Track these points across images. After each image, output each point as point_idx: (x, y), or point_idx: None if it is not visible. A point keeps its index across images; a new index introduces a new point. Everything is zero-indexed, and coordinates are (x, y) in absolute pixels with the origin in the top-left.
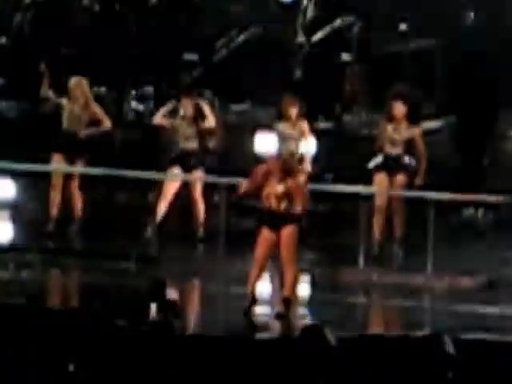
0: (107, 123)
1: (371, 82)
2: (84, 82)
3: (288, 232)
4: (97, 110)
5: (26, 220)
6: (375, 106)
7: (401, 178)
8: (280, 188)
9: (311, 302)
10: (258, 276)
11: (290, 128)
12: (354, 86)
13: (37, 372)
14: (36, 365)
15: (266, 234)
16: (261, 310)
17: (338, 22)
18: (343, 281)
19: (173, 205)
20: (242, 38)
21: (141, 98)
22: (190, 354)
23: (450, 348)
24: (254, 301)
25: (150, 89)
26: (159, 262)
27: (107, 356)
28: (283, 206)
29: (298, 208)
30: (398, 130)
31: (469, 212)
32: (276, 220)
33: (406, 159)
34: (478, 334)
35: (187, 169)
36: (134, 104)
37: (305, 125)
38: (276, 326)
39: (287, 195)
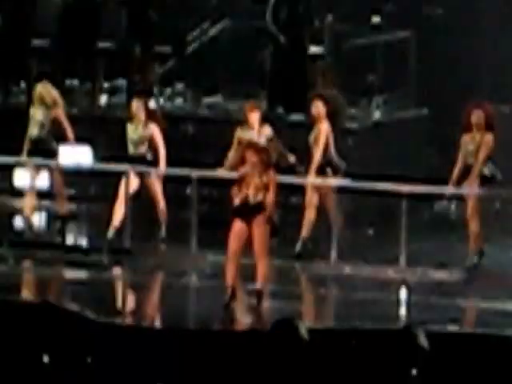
0: (70, 135)
1: (344, 75)
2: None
3: (260, 224)
4: (63, 118)
5: None
6: (348, 99)
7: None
8: (262, 179)
9: (283, 295)
10: (235, 269)
11: (254, 135)
12: (326, 78)
13: (10, 363)
14: (9, 357)
15: (239, 227)
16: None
17: (310, 15)
18: (315, 273)
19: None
20: (214, 30)
21: (113, 91)
22: (163, 347)
23: (422, 341)
24: (233, 294)
25: (122, 81)
26: (132, 254)
27: (77, 348)
28: (259, 197)
29: (270, 201)
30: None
31: (442, 204)
32: (250, 212)
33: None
34: (451, 326)
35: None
36: (105, 97)
37: (268, 130)
38: (249, 320)
39: (265, 187)
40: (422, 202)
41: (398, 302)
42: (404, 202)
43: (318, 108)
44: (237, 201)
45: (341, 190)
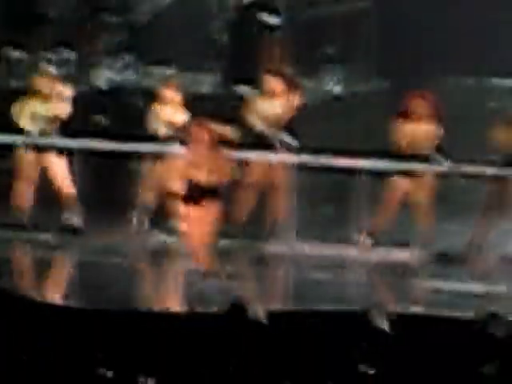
0: None
1: (301, 47)
2: None
3: (211, 206)
4: None
5: None
6: (304, 71)
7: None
8: (214, 160)
9: (238, 276)
10: (200, 249)
11: (173, 114)
12: (282, 50)
13: None
14: None
15: (194, 211)
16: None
17: None
18: (271, 254)
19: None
20: (166, 0)
21: (60, 63)
22: (112, 328)
23: (380, 322)
24: (205, 275)
25: (70, 53)
26: (82, 233)
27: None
28: (211, 179)
29: (221, 181)
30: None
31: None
32: (202, 193)
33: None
34: (410, 308)
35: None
36: (52, 69)
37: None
38: (202, 302)
39: (217, 168)
40: (383, 178)
41: None
42: (364, 178)
43: (271, 84)
44: (187, 184)
45: (297, 167)
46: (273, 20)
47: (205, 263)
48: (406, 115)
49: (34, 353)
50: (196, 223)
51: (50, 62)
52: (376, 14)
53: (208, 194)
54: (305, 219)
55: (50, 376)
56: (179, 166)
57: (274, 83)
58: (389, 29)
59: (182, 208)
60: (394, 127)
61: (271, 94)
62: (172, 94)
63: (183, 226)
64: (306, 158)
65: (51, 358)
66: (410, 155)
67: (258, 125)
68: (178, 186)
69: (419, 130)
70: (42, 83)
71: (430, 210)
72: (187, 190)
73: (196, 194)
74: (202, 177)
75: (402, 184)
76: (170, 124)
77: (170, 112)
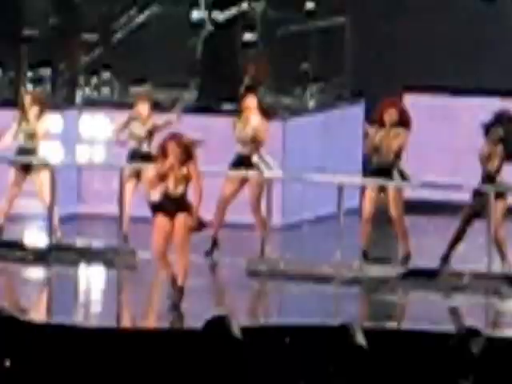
0: None
1: (277, 63)
2: None
3: (182, 219)
4: None
5: None
6: (280, 88)
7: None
8: (183, 171)
9: (212, 291)
10: (169, 267)
11: (140, 127)
12: (258, 67)
13: None
14: None
15: (161, 222)
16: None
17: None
18: (249, 269)
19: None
20: (141, 17)
21: (37, 80)
22: (91, 347)
23: (359, 338)
24: (180, 293)
25: (46, 70)
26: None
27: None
28: (180, 190)
29: (196, 193)
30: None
31: (380, 196)
32: (172, 205)
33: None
34: (387, 323)
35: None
36: (29, 86)
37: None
38: (178, 318)
39: (186, 179)
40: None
41: None
42: (342, 195)
43: (248, 102)
44: (157, 194)
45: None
46: (249, 36)
47: (166, 274)
48: (377, 122)
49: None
50: (162, 236)
51: (28, 79)
52: (352, 29)
53: (178, 205)
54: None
55: None
56: (150, 177)
57: (250, 101)
58: (364, 44)
59: (154, 218)
60: (366, 134)
61: (248, 112)
62: (143, 108)
63: (153, 236)
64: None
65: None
66: (379, 169)
67: (238, 145)
68: (153, 197)
69: (389, 137)
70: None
71: (403, 224)
72: (156, 202)
73: (166, 204)
74: (170, 188)
75: (374, 197)
76: (137, 137)
77: (137, 125)
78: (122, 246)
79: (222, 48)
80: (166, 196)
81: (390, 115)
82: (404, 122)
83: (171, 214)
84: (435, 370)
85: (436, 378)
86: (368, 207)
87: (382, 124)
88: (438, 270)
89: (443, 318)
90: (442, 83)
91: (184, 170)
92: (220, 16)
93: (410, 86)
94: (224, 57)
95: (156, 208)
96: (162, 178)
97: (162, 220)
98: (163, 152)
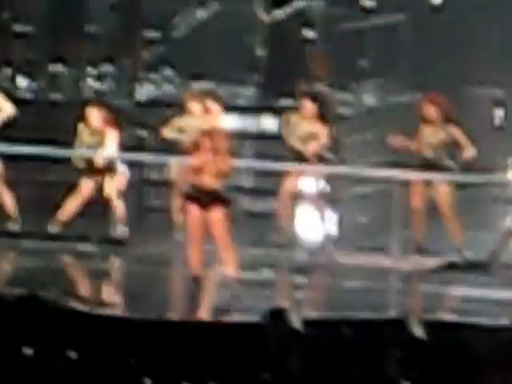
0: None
1: (335, 59)
2: None
3: (218, 213)
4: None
5: None
6: (340, 83)
7: None
8: (218, 165)
9: (269, 284)
10: (200, 255)
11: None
12: (317, 63)
13: None
14: None
15: (196, 212)
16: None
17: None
18: (302, 262)
19: None
20: (202, 14)
21: (100, 77)
22: (148, 338)
23: (416, 330)
24: (199, 283)
25: (109, 67)
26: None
27: (65, 340)
28: (214, 182)
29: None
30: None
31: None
32: (206, 198)
33: None
34: (443, 315)
35: None
36: (92, 83)
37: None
38: (237, 310)
39: (221, 173)
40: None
41: None
42: (397, 189)
43: (307, 108)
44: (190, 187)
45: (334, 178)
46: (309, 33)
47: (195, 268)
48: (422, 120)
49: (77, 362)
50: (196, 226)
51: (90, 76)
52: (409, 27)
53: (213, 198)
54: (342, 229)
55: None
56: (186, 171)
57: (310, 106)
58: (421, 41)
59: (187, 211)
60: (412, 132)
61: (308, 116)
62: (194, 105)
63: (187, 229)
64: (342, 170)
65: (93, 367)
66: (427, 164)
67: (297, 144)
68: (187, 190)
69: (435, 134)
70: None
71: (453, 217)
72: (189, 193)
73: (201, 197)
74: (206, 181)
75: (423, 192)
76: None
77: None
78: None
79: (282, 45)
80: (200, 189)
81: (433, 111)
82: (447, 117)
83: (205, 207)
84: (492, 362)
85: (492, 370)
86: (418, 201)
87: (425, 120)
88: (491, 263)
89: (498, 312)
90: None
91: (218, 163)
92: (279, 13)
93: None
94: (283, 54)
95: (189, 200)
96: (197, 171)
97: (195, 211)
98: (197, 145)
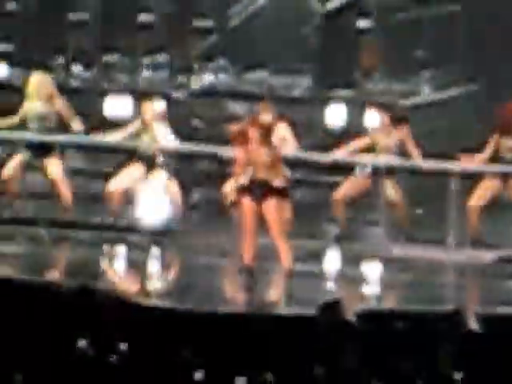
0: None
1: (391, 50)
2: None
3: (271, 205)
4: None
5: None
6: (396, 74)
7: None
8: (268, 156)
9: (322, 276)
10: (253, 247)
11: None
12: (373, 53)
13: (47, 350)
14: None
15: (249, 204)
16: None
17: None
18: (361, 254)
19: None
20: (256, 4)
21: (154, 67)
22: (199, 331)
23: (473, 323)
24: (252, 275)
25: (163, 56)
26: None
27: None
28: (265, 174)
29: (279, 179)
30: None
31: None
32: (259, 191)
33: None
34: (500, 308)
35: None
36: (146, 73)
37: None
38: (288, 302)
39: (273, 164)
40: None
41: None
42: (454, 181)
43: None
44: (242, 179)
45: (390, 170)
46: (364, 23)
47: (247, 258)
48: (503, 128)
49: (128, 354)
50: (250, 218)
51: (144, 66)
52: (466, 16)
53: (270, 191)
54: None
55: (143, 377)
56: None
57: (384, 118)
58: (479, 31)
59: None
60: (491, 140)
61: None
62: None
63: (242, 221)
64: (395, 162)
65: (143, 358)
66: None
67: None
68: (242, 182)
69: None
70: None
71: None
72: (242, 185)
73: (253, 189)
74: (260, 174)
75: (491, 185)
76: None
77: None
78: None
79: (336, 35)
80: (252, 180)
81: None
82: None
83: (257, 198)
84: None
85: None
86: (483, 195)
87: (503, 130)
88: None
89: None
90: None
91: (267, 154)
92: (333, 3)
93: None
94: (338, 44)
95: (243, 192)
96: (247, 162)
97: (248, 203)
98: (244, 137)
